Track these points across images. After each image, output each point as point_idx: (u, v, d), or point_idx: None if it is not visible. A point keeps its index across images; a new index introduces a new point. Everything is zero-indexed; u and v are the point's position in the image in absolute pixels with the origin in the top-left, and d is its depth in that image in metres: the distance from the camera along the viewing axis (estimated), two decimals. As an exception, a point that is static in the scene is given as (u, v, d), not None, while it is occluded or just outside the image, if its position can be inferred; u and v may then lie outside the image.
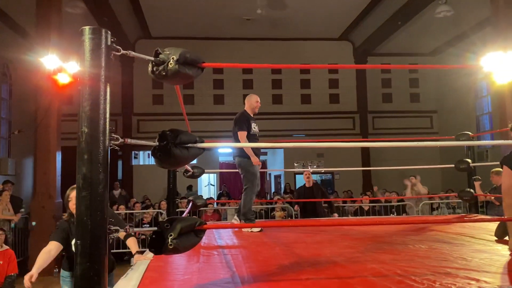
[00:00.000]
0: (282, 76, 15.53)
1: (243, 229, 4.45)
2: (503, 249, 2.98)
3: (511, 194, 2.79)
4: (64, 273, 3.47)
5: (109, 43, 1.76)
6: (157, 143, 1.95)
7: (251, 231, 4.35)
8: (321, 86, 15.66)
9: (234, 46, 14.74)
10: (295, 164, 15.04)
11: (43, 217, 7.00)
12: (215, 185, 16.34)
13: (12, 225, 7.05)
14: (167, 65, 1.93)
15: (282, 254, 3.00)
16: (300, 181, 15.69)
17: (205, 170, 5.76)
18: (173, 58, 1.93)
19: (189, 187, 13.29)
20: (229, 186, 15.19)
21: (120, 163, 14.38)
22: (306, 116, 15.18)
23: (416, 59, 15.82)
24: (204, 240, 3.84)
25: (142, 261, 2.70)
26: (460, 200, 8.08)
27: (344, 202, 10.21)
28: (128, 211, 8.78)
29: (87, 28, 1.72)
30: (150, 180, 13.67)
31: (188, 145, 2.00)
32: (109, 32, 1.77)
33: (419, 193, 8.50)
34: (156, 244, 1.87)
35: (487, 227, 4.29)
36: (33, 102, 7.87)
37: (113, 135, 1.78)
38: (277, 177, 16.59)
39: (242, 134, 4.66)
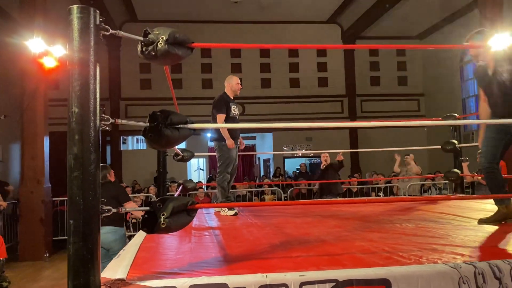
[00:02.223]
0: (270, 60, 15.48)
1: (223, 212, 4.47)
2: (488, 227, 3.06)
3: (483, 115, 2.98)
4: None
5: (97, 22, 1.75)
6: (148, 124, 1.96)
7: (226, 214, 4.36)
8: (310, 69, 15.65)
9: (221, 29, 14.61)
10: (284, 148, 15.10)
11: (32, 202, 6.96)
12: (205, 169, 16.36)
13: None
14: (157, 45, 1.92)
15: (272, 233, 3.04)
16: (289, 164, 15.82)
17: (195, 154, 5.77)
18: (162, 38, 1.92)
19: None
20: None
21: (108, 148, 14.30)
22: (295, 100, 15.20)
23: (403, 42, 15.86)
24: (195, 221, 3.88)
25: (133, 242, 2.71)
26: (446, 182, 8.24)
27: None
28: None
29: (75, 7, 1.70)
30: (139, 165, 13.63)
31: (179, 125, 2.00)
32: (97, 11, 1.75)
33: (412, 172, 8.54)
34: (149, 223, 1.89)
35: (472, 206, 4.40)
36: (19, 86, 7.75)
37: (103, 116, 1.78)
38: (266, 161, 16.66)
39: (221, 117, 4.60)
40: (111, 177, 5.32)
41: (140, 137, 14.80)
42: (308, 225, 3.51)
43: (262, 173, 16.40)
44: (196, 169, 16.52)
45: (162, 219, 1.84)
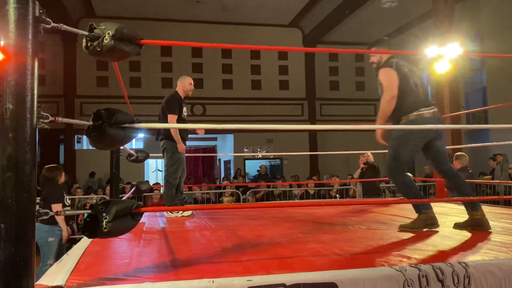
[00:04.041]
0: (232, 61, 15.45)
1: (169, 215, 4.39)
2: (435, 228, 3.14)
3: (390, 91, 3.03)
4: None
5: (37, 14, 1.64)
6: (91, 123, 1.87)
7: (182, 215, 4.30)
8: (271, 72, 15.74)
9: (182, 28, 14.43)
10: (245, 150, 15.09)
11: None
12: (163, 171, 16.08)
13: None
14: (102, 40, 1.84)
15: (225, 236, 3.00)
16: (250, 166, 15.80)
17: (150, 155, 5.62)
18: (108, 33, 1.84)
19: (91, 174, 12.99)
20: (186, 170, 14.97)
21: (62, 147, 13.79)
22: (256, 102, 15.23)
23: (362, 48, 16.22)
24: (147, 224, 3.78)
25: (79, 246, 2.60)
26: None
27: (291, 186, 10.39)
28: (69, 197, 8.45)
29: (11, -3, 1.60)
30: (94, 165, 13.20)
31: (125, 125, 1.92)
32: (37, 2, 1.65)
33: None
34: (91, 227, 1.80)
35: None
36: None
37: (42, 113, 1.67)
38: (227, 162, 16.59)
39: (173, 118, 4.43)
40: (61, 179, 5.14)
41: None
42: (263, 227, 3.49)
43: (222, 175, 16.32)
44: (154, 170, 16.23)
45: (104, 223, 1.76)
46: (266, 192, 9.27)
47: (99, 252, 2.47)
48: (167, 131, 4.50)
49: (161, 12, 13.78)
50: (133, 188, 5.12)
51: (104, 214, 1.78)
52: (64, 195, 5.08)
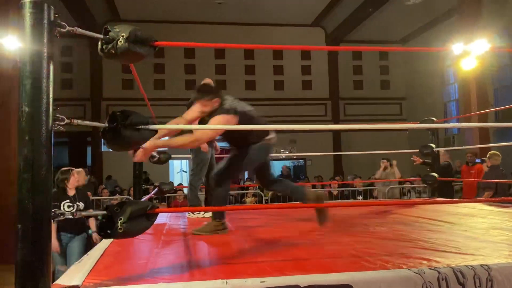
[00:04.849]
0: (255, 61, 15.47)
1: (190, 215, 4.40)
2: (458, 230, 3.06)
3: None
4: None
5: (52, 18, 1.67)
6: (107, 125, 1.89)
7: (203, 216, 4.32)
8: (294, 72, 15.69)
9: (205, 30, 14.54)
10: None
11: (6, 204, 6.77)
12: (188, 171, 16.23)
13: None
14: (117, 43, 1.86)
15: (243, 237, 2.99)
16: (273, 167, 15.74)
17: (174, 156, 5.68)
18: (122, 36, 1.87)
19: (108, 177, 13.14)
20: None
21: (89, 149, 14.09)
22: (279, 103, 15.20)
23: (387, 46, 16.00)
24: (168, 225, 3.81)
25: (99, 246, 2.63)
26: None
27: (314, 186, 10.30)
28: (95, 198, 8.63)
29: (27, 2, 1.63)
30: (121, 166, 13.43)
31: (140, 126, 1.94)
32: (52, 7, 1.68)
33: (394, 176, 8.55)
34: (106, 228, 1.82)
35: (448, 210, 4.41)
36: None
37: (58, 116, 1.70)
38: (250, 163, 16.57)
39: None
40: (69, 184, 4.94)
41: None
42: (281, 228, 3.47)
43: (246, 176, 16.32)
44: (179, 171, 16.39)
45: (119, 223, 1.78)
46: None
47: (118, 252, 2.50)
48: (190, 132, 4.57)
49: (184, 15, 13.92)
50: (156, 189, 5.16)
51: (119, 215, 1.81)
52: (64, 200, 4.88)
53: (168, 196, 8.10)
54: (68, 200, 4.90)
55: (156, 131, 2.00)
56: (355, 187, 9.39)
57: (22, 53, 1.62)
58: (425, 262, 2.03)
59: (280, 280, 1.73)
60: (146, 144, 2.75)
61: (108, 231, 1.80)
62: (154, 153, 5.23)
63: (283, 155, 14.71)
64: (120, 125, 1.87)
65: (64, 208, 4.67)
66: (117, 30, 1.89)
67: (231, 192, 9.17)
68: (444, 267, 1.86)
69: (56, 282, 1.82)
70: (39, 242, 1.57)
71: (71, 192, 4.97)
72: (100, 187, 10.08)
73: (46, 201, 1.60)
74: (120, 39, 1.86)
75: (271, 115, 14.57)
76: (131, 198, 8.41)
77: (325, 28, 15.67)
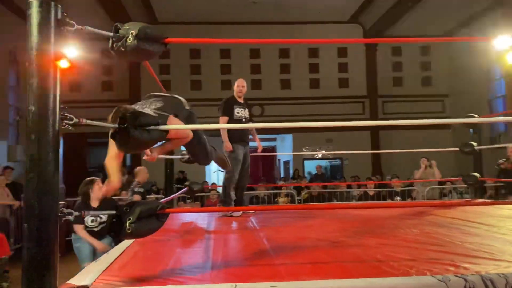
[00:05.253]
0: (290, 60, 15.31)
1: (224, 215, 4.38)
2: (497, 233, 2.85)
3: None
4: None
5: (59, 16, 1.67)
6: (116, 126, 1.87)
7: (231, 215, 4.29)
8: (330, 70, 15.40)
9: (240, 30, 14.52)
10: (304, 150, 14.89)
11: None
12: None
13: None
14: (126, 40, 1.84)
15: (266, 238, 2.91)
16: (309, 166, 15.57)
17: None
18: (132, 33, 1.84)
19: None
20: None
21: (128, 149, 14.43)
22: (315, 101, 14.96)
23: (427, 42, 15.42)
24: (193, 224, 3.80)
25: (120, 246, 2.63)
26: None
27: (350, 187, 10.08)
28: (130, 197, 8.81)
29: (34, 1, 1.63)
30: (158, 166, 13.66)
31: (150, 127, 1.91)
32: (59, 5, 1.67)
33: (434, 176, 8.20)
34: (116, 228, 1.80)
35: (489, 211, 4.15)
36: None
37: (65, 115, 1.70)
38: (286, 163, 16.47)
39: (222, 119, 4.67)
40: (93, 195, 4.59)
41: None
42: (308, 229, 3.36)
43: (282, 175, 16.24)
44: (216, 171, 16.49)
45: (127, 224, 1.76)
46: (321, 193, 9.04)
47: (136, 252, 2.49)
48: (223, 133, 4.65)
49: (219, 15, 13.97)
50: (185, 189, 5.18)
51: (128, 215, 1.78)
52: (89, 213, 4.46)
53: (201, 196, 8.15)
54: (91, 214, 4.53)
55: (166, 131, 1.97)
56: (393, 187, 9.08)
57: (28, 51, 1.62)
58: (452, 268, 1.88)
59: (291, 285, 1.65)
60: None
61: (117, 231, 1.78)
62: (184, 154, 5.27)
63: (319, 154, 14.51)
64: (129, 126, 1.84)
65: (87, 223, 4.53)
66: (127, 27, 1.87)
67: (264, 192, 9.11)
68: (473, 274, 1.71)
69: (69, 281, 1.82)
70: (46, 242, 1.56)
71: (95, 204, 4.59)
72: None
73: (52, 200, 1.60)
74: (129, 37, 1.83)
75: (306, 114, 14.44)
76: (164, 197, 8.52)
77: (362, 24, 15.28)
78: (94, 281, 1.81)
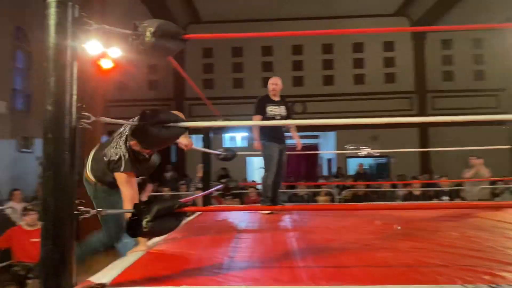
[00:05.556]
0: (333, 56, 15.02)
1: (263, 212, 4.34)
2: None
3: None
4: None
5: (76, 16, 1.68)
6: (136, 123, 1.87)
7: (262, 213, 4.26)
8: (376, 65, 14.96)
9: (283, 26, 14.41)
10: (348, 148, 14.58)
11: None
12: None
13: None
14: (144, 38, 1.83)
15: (295, 239, 2.83)
16: (353, 164, 15.24)
17: (253, 153, 5.74)
18: (149, 31, 1.83)
19: (186, 175, 13.24)
20: (288, 168, 15.01)
21: (174, 147, 14.75)
22: (359, 97, 14.60)
23: (481, 33, 14.63)
24: (226, 222, 3.78)
25: (148, 244, 2.65)
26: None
27: (395, 186, 9.74)
28: (173, 193, 9.04)
29: (52, 2, 1.65)
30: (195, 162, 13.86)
31: (169, 124, 1.89)
32: (76, 6, 1.68)
33: (480, 176, 7.77)
34: (133, 226, 1.80)
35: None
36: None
37: (83, 114, 1.71)
38: (329, 161, 16.21)
39: (254, 118, 4.65)
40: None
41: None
42: (341, 230, 3.25)
43: (325, 173, 15.99)
44: (259, 168, 16.53)
45: (144, 222, 1.75)
46: (365, 192, 8.78)
47: (162, 250, 2.50)
48: (258, 132, 4.63)
49: (263, 12, 13.92)
50: (220, 186, 5.20)
51: (145, 214, 1.77)
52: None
53: (240, 193, 8.18)
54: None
55: (186, 128, 1.94)
56: (441, 187, 8.67)
57: (46, 51, 1.64)
58: (487, 277, 1.73)
59: (308, 290, 1.58)
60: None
61: (135, 230, 1.78)
62: (220, 151, 5.30)
63: (363, 152, 14.14)
64: (147, 124, 1.83)
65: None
66: (145, 25, 1.85)
67: (304, 190, 8.99)
68: (509, 285, 1.56)
69: (89, 278, 1.84)
70: (61, 239, 1.58)
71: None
72: (179, 183, 10.47)
73: (68, 199, 1.61)
74: (147, 34, 1.82)
75: (350, 111, 14.12)
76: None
77: (410, 17, 14.74)
78: (113, 279, 1.82)
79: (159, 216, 1.77)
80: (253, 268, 2.06)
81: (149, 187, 4.98)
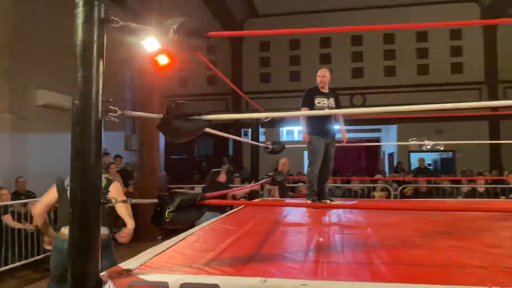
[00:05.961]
0: (395, 46, 14.49)
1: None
2: None
3: None
4: None
5: (102, 14, 1.76)
6: (161, 116, 1.94)
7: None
8: (441, 54, 14.22)
9: (342, 17, 14.10)
10: (410, 141, 14.00)
11: (148, 188, 7.64)
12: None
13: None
14: (167, 35, 1.88)
15: (332, 234, 2.79)
16: (415, 159, 14.62)
17: (298, 146, 5.77)
18: (173, 28, 1.88)
19: (241, 167, 13.28)
20: (338, 162, 14.77)
21: (231, 141, 15.01)
22: (423, 89, 13.97)
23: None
24: (264, 214, 3.79)
25: (187, 232, 2.72)
26: None
27: (458, 182, 9.21)
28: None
29: (80, 1, 1.74)
30: (260, 157, 13.98)
31: (193, 117, 1.94)
32: (102, 4, 1.76)
33: None
34: (157, 216, 1.87)
35: None
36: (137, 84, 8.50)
37: (110, 107, 1.79)
38: (391, 155, 15.68)
39: (302, 110, 4.57)
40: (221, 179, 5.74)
41: (261, 129, 15.30)
42: (383, 227, 3.13)
43: (387, 168, 15.50)
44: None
45: (166, 213, 1.81)
46: (426, 188, 8.40)
47: (196, 239, 2.56)
48: (305, 125, 4.58)
49: (321, 3, 13.73)
50: (267, 179, 5.23)
51: (168, 205, 1.83)
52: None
53: (293, 187, 8.18)
54: None
55: (209, 121, 1.98)
56: (509, 184, 8.10)
57: (74, 48, 1.74)
58: (522, 281, 1.60)
59: (322, 284, 1.56)
60: None
61: (158, 220, 1.84)
62: (268, 144, 5.32)
63: (427, 146, 13.50)
64: (171, 117, 1.89)
65: None
66: (169, 22, 1.90)
67: (359, 185, 8.78)
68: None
69: (120, 264, 1.94)
70: (88, 227, 1.68)
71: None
72: (234, 176, 10.65)
73: (94, 188, 1.71)
74: (171, 31, 1.87)
75: (413, 103, 13.49)
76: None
77: (480, 2, 13.82)
78: (140, 265, 1.90)
79: (181, 207, 1.83)
80: (274, 261, 2.05)
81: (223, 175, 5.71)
